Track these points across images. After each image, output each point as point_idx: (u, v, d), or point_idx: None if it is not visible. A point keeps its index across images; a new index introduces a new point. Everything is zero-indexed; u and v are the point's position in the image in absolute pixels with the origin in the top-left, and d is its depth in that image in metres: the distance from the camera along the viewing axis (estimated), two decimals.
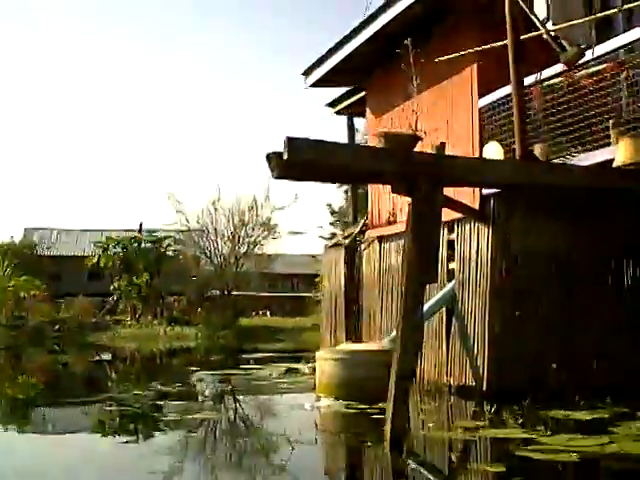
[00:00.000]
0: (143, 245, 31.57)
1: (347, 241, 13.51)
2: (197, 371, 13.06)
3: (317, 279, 45.91)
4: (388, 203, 10.93)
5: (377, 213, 11.27)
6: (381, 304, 10.94)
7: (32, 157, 77.60)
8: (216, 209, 30.03)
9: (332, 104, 16.06)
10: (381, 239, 11.16)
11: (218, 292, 30.58)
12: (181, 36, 73.62)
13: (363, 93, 14.29)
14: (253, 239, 30.22)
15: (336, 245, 14.79)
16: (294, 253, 38.26)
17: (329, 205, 33.54)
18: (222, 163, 70.87)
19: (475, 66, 9.13)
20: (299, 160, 5.61)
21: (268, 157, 5.71)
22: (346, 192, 32.78)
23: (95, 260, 32.02)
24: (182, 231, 31.19)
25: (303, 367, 13.04)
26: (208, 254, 30.54)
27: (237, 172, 63.75)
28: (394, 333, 8.96)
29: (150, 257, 31.38)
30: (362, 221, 13.40)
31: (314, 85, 12.68)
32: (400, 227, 10.32)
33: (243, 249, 30.43)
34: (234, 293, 30.68)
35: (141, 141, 74.94)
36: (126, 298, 31.30)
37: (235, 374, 12.37)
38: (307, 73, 12.54)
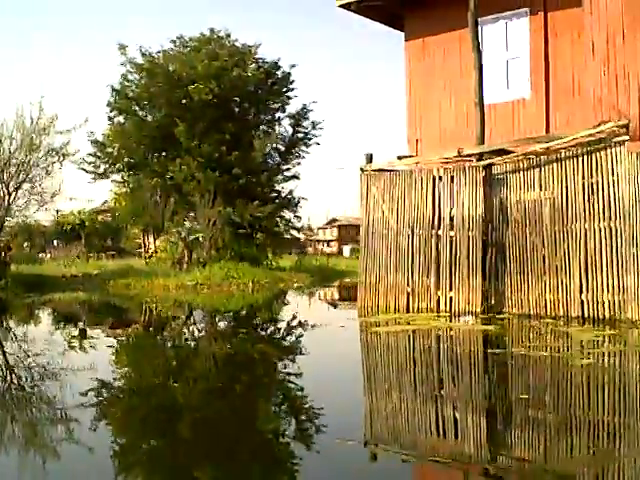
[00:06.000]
0: None
1: (481, 162, 11.28)
2: None
3: None
4: None
5: None
6: None
7: None
8: None
9: None
10: None
11: None
12: None
13: None
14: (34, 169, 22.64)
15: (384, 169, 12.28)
16: None
17: (92, 133, 26.77)
18: None
19: None
20: None
21: None
22: (111, 119, 27.07)
23: None
24: None
25: (465, 318, 10.85)
26: None
27: None
28: None
29: None
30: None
31: None
32: None
33: (16, 182, 22.64)
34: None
35: None
36: None
37: None
38: None
